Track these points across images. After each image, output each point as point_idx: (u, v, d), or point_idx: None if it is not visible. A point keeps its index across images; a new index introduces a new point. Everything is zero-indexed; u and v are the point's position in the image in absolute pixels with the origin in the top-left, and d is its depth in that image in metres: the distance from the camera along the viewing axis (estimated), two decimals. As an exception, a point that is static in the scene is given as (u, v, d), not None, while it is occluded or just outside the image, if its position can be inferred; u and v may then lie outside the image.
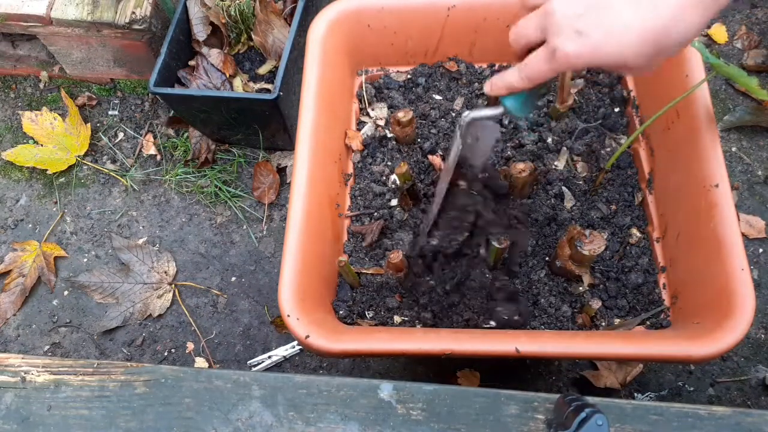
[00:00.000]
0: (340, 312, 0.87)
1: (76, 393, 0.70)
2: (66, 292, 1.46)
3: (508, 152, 0.95)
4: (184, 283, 1.44)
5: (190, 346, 1.37)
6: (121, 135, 1.64)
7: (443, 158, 0.96)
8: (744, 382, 1.22)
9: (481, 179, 0.83)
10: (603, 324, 0.84)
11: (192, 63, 1.45)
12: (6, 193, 1.61)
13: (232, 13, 1.43)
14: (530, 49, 0.61)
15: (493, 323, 0.82)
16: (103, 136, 1.63)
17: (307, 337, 0.73)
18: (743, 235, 1.31)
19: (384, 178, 0.97)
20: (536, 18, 0.59)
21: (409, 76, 1.04)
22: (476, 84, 1.02)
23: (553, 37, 0.56)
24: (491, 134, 0.76)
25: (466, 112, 0.70)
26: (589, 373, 1.22)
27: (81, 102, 1.67)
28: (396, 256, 0.84)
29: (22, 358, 0.73)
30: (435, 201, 0.85)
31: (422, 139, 0.98)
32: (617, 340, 0.73)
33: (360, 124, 1.02)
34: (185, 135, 1.59)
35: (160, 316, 1.40)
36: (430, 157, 0.96)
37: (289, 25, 1.40)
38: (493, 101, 0.68)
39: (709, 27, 1.56)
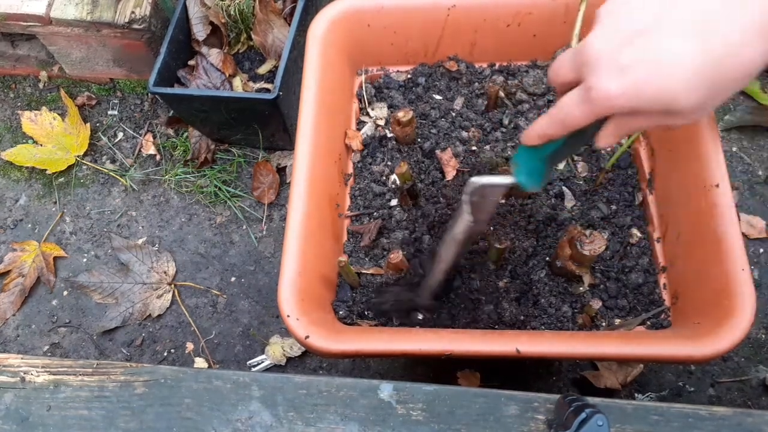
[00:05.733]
0: (340, 312, 0.87)
1: (75, 393, 0.70)
2: (65, 293, 1.46)
3: (508, 152, 0.95)
4: (183, 283, 1.44)
5: (190, 346, 1.37)
6: (120, 135, 1.64)
7: (458, 173, 0.93)
8: (744, 382, 1.22)
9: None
10: (603, 324, 0.83)
11: (191, 63, 1.45)
12: (5, 193, 1.60)
13: (232, 12, 1.42)
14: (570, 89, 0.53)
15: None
16: (102, 136, 1.63)
17: (307, 337, 0.73)
18: (744, 235, 1.31)
19: (384, 178, 0.97)
20: (571, 54, 0.51)
21: (409, 76, 1.04)
22: (476, 84, 1.02)
23: (590, 76, 0.48)
24: (500, 193, 0.70)
25: (475, 178, 0.65)
26: (589, 374, 1.22)
27: (80, 102, 1.67)
28: (396, 257, 0.83)
29: (22, 359, 0.73)
30: (437, 269, 0.79)
31: (422, 139, 0.98)
32: (618, 341, 0.73)
33: (360, 124, 1.02)
34: (185, 135, 1.59)
35: (159, 316, 1.40)
36: (438, 153, 0.95)
37: (289, 24, 1.40)
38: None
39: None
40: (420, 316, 0.85)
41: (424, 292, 0.83)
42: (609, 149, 0.95)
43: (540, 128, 0.56)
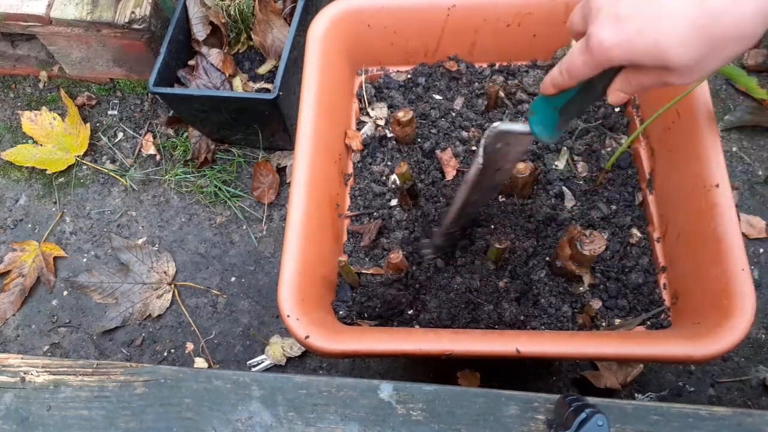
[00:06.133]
0: (340, 312, 0.87)
1: (75, 393, 0.70)
2: (65, 293, 1.46)
3: (509, 152, 0.95)
4: (183, 283, 1.43)
5: (190, 346, 1.37)
6: (120, 135, 1.64)
7: (458, 173, 0.94)
8: (744, 382, 1.22)
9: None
10: (603, 324, 0.83)
11: (191, 63, 1.45)
12: (5, 193, 1.60)
13: (232, 12, 1.42)
14: None
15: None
16: (102, 136, 1.63)
17: (307, 337, 0.73)
18: (744, 235, 1.31)
19: (384, 178, 0.97)
20: (581, 5, 0.54)
21: (409, 76, 1.04)
22: (476, 84, 1.02)
23: (590, 25, 0.50)
24: (520, 144, 0.72)
25: (495, 124, 0.67)
26: (589, 374, 1.22)
27: (80, 102, 1.67)
28: (396, 257, 0.83)
29: (22, 359, 0.73)
30: (451, 210, 0.82)
31: (422, 139, 0.98)
32: (618, 341, 0.73)
33: (360, 124, 1.02)
34: (185, 135, 1.58)
35: (159, 316, 1.40)
36: (438, 153, 0.95)
37: (289, 24, 1.40)
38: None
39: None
40: (430, 254, 0.88)
41: (439, 231, 0.86)
42: (609, 149, 0.95)
43: (553, 77, 0.58)
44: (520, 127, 0.67)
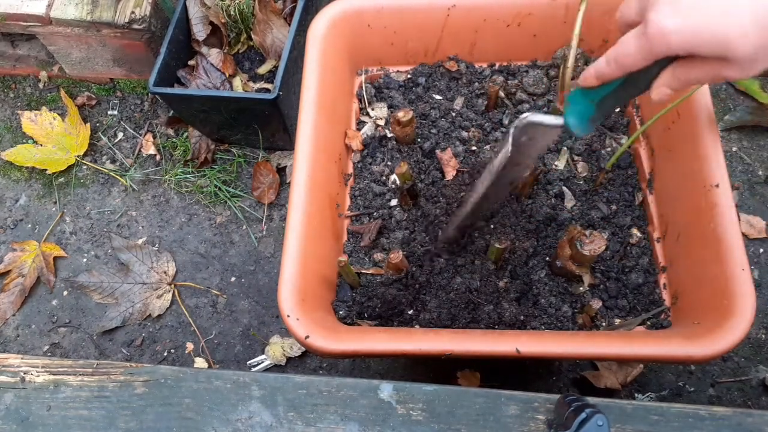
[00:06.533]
0: (340, 312, 0.87)
1: (75, 393, 0.70)
2: (65, 293, 1.46)
3: (509, 152, 0.95)
4: (183, 283, 1.43)
5: (190, 346, 1.37)
6: (120, 135, 1.64)
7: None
8: (744, 382, 1.22)
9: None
10: (603, 324, 0.83)
11: (191, 63, 1.45)
12: (5, 193, 1.60)
13: (232, 12, 1.42)
14: None
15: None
16: (102, 136, 1.63)
17: (307, 337, 0.73)
18: (744, 235, 1.31)
19: (384, 178, 0.97)
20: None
21: (409, 76, 1.04)
22: (476, 84, 1.02)
23: (649, 12, 0.49)
24: (548, 137, 0.69)
25: (525, 114, 0.64)
26: (589, 374, 1.22)
27: (80, 102, 1.67)
28: (396, 257, 0.83)
29: (22, 359, 0.73)
30: (468, 201, 0.80)
31: (422, 139, 0.98)
32: (618, 341, 0.73)
33: (360, 124, 1.02)
34: (185, 135, 1.59)
35: (159, 316, 1.40)
36: (438, 153, 0.95)
37: (289, 24, 1.40)
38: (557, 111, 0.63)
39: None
40: (442, 250, 0.87)
41: (452, 226, 0.84)
42: (609, 149, 0.95)
43: (598, 68, 0.56)
44: (552, 119, 0.64)
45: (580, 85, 0.61)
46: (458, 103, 1.01)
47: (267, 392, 0.68)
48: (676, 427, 0.63)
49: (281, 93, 1.27)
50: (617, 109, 0.98)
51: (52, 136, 1.60)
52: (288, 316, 0.74)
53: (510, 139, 0.66)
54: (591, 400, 0.59)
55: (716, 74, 0.51)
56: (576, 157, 0.95)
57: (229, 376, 0.69)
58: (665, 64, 0.54)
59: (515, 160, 0.70)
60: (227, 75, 1.42)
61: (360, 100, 1.03)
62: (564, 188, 0.92)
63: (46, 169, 1.58)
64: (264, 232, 1.47)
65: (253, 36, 1.44)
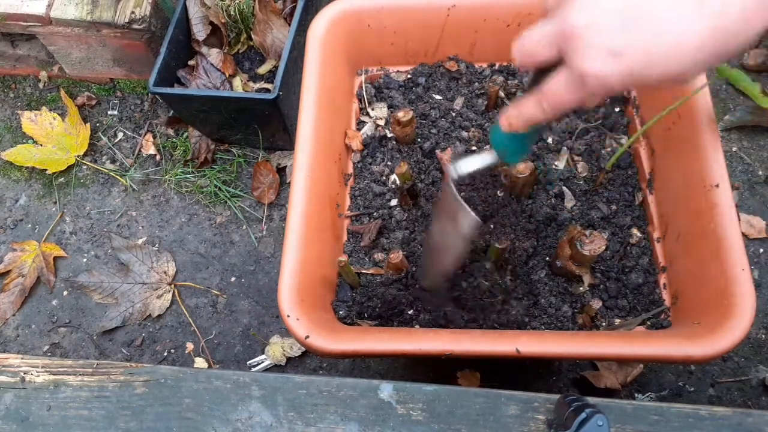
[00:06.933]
0: (340, 312, 0.87)
1: (75, 393, 0.70)
2: (65, 293, 1.46)
3: (508, 152, 0.95)
4: (183, 283, 1.43)
5: (190, 346, 1.37)
6: (120, 135, 1.64)
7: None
8: (744, 382, 1.22)
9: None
10: (603, 324, 0.83)
11: (191, 63, 1.45)
12: (5, 193, 1.60)
13: (232, 12, 1.42)
14: (541, 69, 0.50)
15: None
16: (102, 136, 1.63)
17: (307, 337, 0.73)
18: (744, 235, 1.31)
19: (384, 178, 0.97)
20: (549, 34, 0.47)
21: (409, 76, 1.04)
22: (476, 84, 1.02)
23: (579, 60, 0.45)
24: (470, 224, 0.65)
25: (453, 165, 0.61)
26: (589, 374, 1.22)
27: (80, 102, 1.67)
28: (396, 257, 0.83)
29: (22, 359, 0.73)
30: (442, 257, 0.76)
31: (422, 139, 0.98)
32: (618, 341, 0.73)
33: (360, 124, 1.02)
34: (185, 135, 1.59)
35: (159, 316, 1.40)
36: (438, 153, 0.95)
37: (289, 24, 1.40)
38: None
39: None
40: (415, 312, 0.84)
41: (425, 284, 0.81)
42: (609, 149, 0.95)
43: (528, 116, 0.53)
44: (488, 158, 0.62)
45: (504, 130, 0.58)
46: (458, 103, 1.01)
47: (267, 392, 0.68)
48: (676, 427, 0.63)
49: (281, 93, 1.27)
50: (616, 109, 0.98)
51: (52, 136, 1.60)
52: (288, 316, 0.74)
53: (463, 203, 0.64)
54: (591, 400, 0.59)
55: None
56: (576, 157, 0.95)
57: (229, 376, 0.69)
58: None
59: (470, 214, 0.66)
60: (227, 75, 1.42)
61: (360, 100, 1.03)
62: (564, 188, 0.92)
63: (46, 169, 1.58)
64: (264, 232, 1.47)
65: (253, 36, 1.44)
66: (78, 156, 1.59)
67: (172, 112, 1.59)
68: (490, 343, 0.73)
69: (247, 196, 1.51)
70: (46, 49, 1.61)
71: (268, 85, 1.43)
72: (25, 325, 1.44)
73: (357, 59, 1.02)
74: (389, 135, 0.99)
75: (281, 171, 1.51)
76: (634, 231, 0.89)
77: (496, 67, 1.03)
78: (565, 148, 0.95)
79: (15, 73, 1.74)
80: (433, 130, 0.98)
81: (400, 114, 0.92)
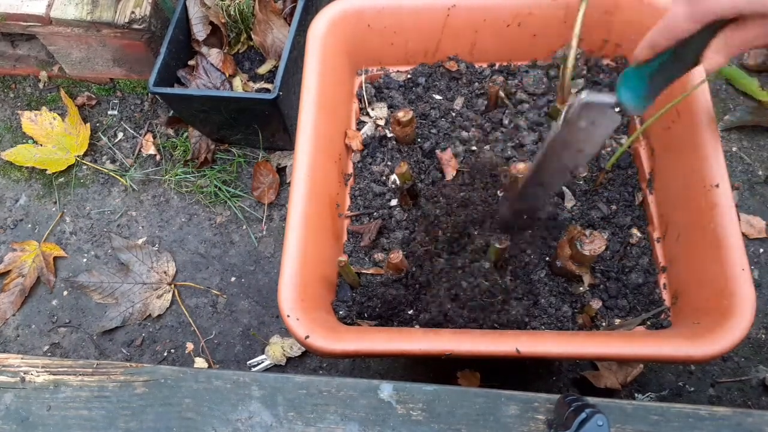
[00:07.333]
0: (340, 312, 0.87)
1: (75, 393, 0.70)
2: (65, 293, 1.46)
3: (508, 152, 0.95)
4: (183, 283, 1.43)
5: (190, 346, 1.37)
6: (120, 135, 1.64)
7: (458, 173, 0.93)
8: (744, 382, 1.22)
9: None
10: (603, 324, 0.83)
11: (191, 63, 1.45)
12: (5, 193, 1.60)
13: (232, 12, 1.42)
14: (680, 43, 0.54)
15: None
16: (102, 136, 1.63)
17: (307, 337, 0.73)
18: (744, 235, 1.31)
19: (384, 178, 0.97)
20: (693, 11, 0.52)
21: (409, 76, 1.04)
22: (476, 84, 1.02)
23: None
24: (607, 120, 0.68)
25: (583, 94, 0.65)
26: (589, 374, 1.22)
27: (80, 102, 1.67)
28: (396, 257, 0.83)
29: (22, 359, 0.73)
30: (529, 171, 0.79)
31: (422, 139, 0.98)
32: (618, 341, 0.73)
33: (360, 124, 1.02)
34: (185, 135, 1.59)
35: (159, 316, 1.40)
36: (438, 153, 0.95)
37: (289, 24, 1.40)
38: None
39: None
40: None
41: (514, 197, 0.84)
42: (609, 149, 0.95)
43: (650, 38, 0.57)
44: (606, 97, 0.65)
45: (634, 60, 0.62)
46: (458, 103, 1.01)
47: (267, 392, 0.68)
48: (676, 427, 0.63)
49: (281, 93, 1.27)
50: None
51: (52, 136, 1.60)
52: (288, 316, 0.74)
53: (563, 116, 0.67)
54: (591, 400, 0.59)
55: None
56: (576, 157, 0.95)
57: (229, 376, 0.69)
58: (714, 31, 0.54)
59: (570, 142, 0.70)
60: (227, 75, 1.42)
61: (360, 100, 1.03)
62: (564, 188, 0.92)
63: (46, 169, 1.58)
64: (264, 232, 1.47)
65: (253, 36, 1.44)
66: (78, 156, 1.59)
67: (172, 112, 1.59)
68: (490, 343, 0.73)
69: (247, 196, 1.51)
70: (46, 49, 1.61)
71: (268, 85, 1.43)
72: (25, 325, 1.44)
73: (357, 59, 1.02)
74: (389, 135, 0.99)
75: (281, 171, 1.51)
76: (634, 231, 0.89)
77: (496, 67, 1.03)
78: (565, 148, 0.95)
79: (15, 73, 1.74)
80: (433, 130, 0.98)
81: (400, 114, 0.92)
